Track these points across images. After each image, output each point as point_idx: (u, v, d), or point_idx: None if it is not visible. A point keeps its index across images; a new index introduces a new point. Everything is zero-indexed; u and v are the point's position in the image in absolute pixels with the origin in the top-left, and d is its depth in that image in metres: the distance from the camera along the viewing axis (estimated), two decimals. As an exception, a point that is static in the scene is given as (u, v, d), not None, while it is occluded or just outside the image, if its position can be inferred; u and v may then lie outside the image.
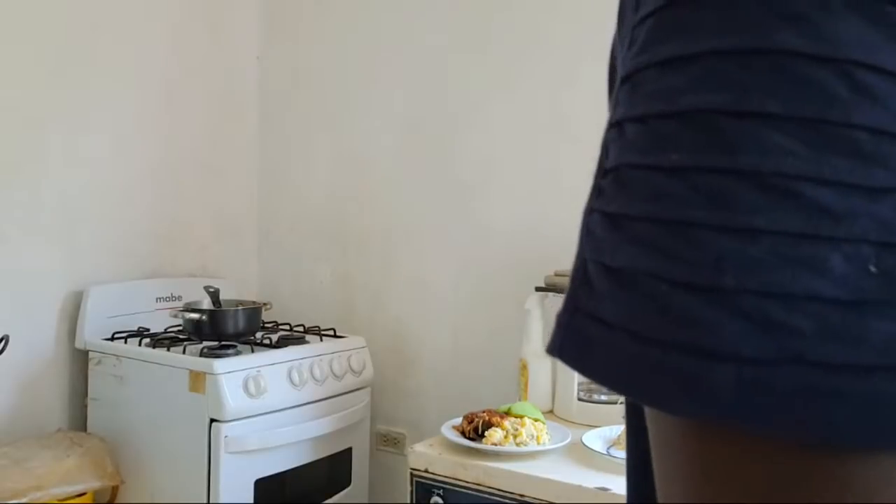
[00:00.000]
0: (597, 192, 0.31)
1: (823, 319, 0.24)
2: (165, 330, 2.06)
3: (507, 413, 1.59)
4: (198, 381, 1.75)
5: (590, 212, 0.31)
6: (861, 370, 0.24)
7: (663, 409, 0.27)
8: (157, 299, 2.13)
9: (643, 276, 0.27)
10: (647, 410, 0.30)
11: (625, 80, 0.31)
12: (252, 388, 1.77)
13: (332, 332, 2.16)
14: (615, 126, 0.32)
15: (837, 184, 0.25)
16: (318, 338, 2.12)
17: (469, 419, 1.58)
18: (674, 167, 0.27)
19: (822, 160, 0.25)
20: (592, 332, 0.29)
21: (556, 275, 1.84)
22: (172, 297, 2.15)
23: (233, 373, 1.76)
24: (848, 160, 0.25)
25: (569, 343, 0.30)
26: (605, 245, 0.29)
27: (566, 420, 1.74)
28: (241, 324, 1.97)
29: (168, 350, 1.88)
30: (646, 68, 0.30)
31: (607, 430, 1.58)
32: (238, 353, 1.87)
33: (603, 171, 0.31)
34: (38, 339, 1.96)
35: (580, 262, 0.30)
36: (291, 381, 1.87)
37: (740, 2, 0.27)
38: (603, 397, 1.78)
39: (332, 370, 1.98)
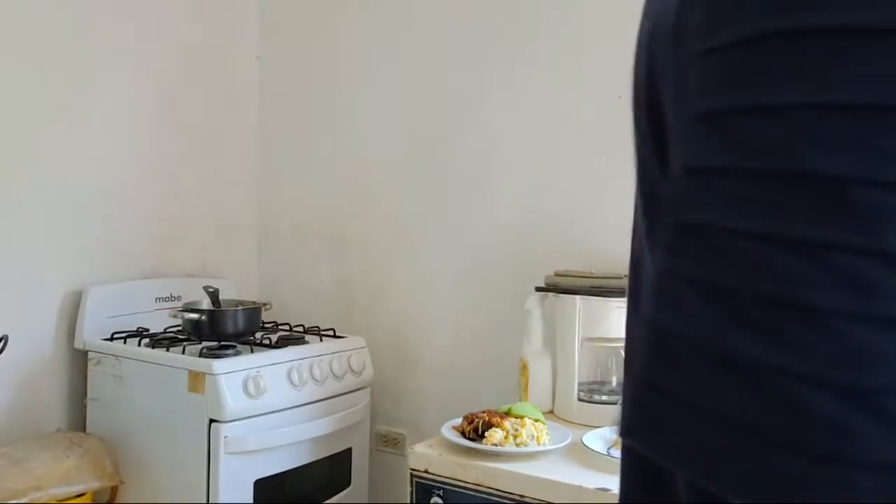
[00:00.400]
0: (666, 247, 0.27)
1: None
2: (165, 330, 2.06)
3: (508, 413, 1.59)
4: (197, 381, 1.75)
5: (665, 273, 0.27)
6: None
7: None
8: (156, 299, 2.13)
9: (760, 368, 0.23)
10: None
11: (701, 118, 0.27)
12: (252, 389, 1.77)
13: (331, 333, 2.16)
14: (692, 173, 0.27)
15: None
16: (317, 338, 2.12)
17: (469, 419, 1.58)
18: (796, 240, 0.23)
19: None
20: (680, 418, 0.25)
21: (557, 275, 1.84)
22: (172, 297, 2.15)
23: (232, 373, 1.76)
24: None
25: (645, 424, 0.27)
26: (700, 322, 0.25)
27: (566, 420, 1.74)
28: (241, 324, 1.96)
29: (167, 350, 1.88)
30: (740, 112, 0.26)
31: (607, 431, 1.58)
32: (238, 354, 1.86)
33: (672, 224, 0.27)
34: (37, 339, 1.96)
35: (658, 333, 0.26)
36: (291, 382, 1.87)
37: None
38: (603, 398, 1.78)
39: (331, 370, 1.98)
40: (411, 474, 1.56)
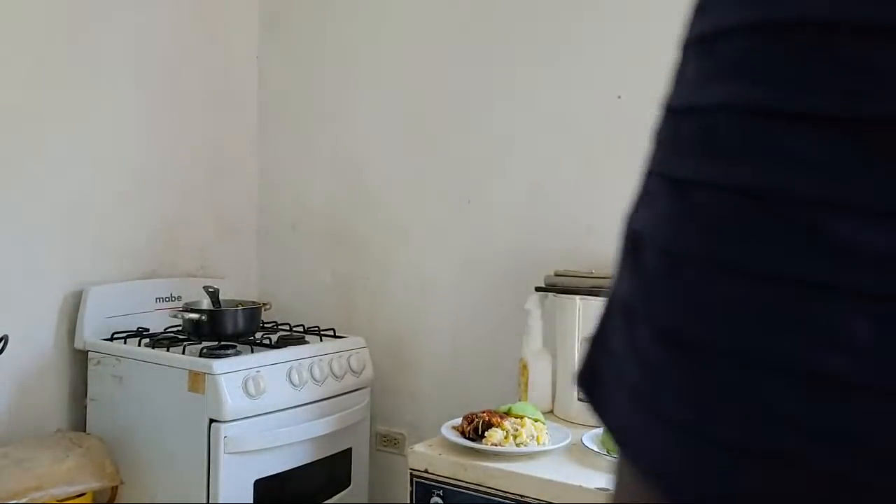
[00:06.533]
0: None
1: None
2: (165, 330, 2.06)
3: (507, 413, 1.59)
4: (197, 381, 1.75)
5: None
6: None
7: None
8: (156, 299, 2.13)
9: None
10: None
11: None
12: (252, 389, 1.77)
13: (331, 333, 2.16)
14: None
15: None
16: (317, 338, 2.12)
17: (469, 419, 1.58)
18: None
19: None
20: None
21: (557, 275, 1.84)
22: (172, 297, 2.15)
23: (232, 373, 1.76)
24: None
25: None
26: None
27: (566, 420, 1.74)
28: (241, 324, 1.96)
29: (167, 350, 1.88)
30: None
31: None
32: (238, 354, 1.86)
33: None
34: (37, 340, 1.96)
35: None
36: (291, 382, 1.87)
37: None
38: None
39: (331, 370, 1.98)
40: (411, 474, 1.56)
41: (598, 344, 0.36)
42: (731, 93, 0.30)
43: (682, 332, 0.30)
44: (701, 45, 0.33)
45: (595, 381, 0.36)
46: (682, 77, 0.34)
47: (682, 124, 0.33)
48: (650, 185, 0.35)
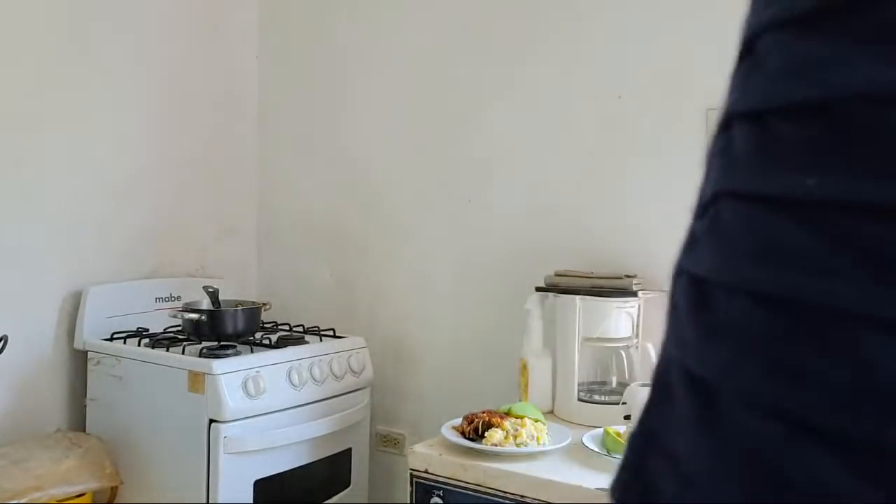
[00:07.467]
0: None
1: None
2: (165, 330, 2.06)
3: (508, 413, 1.59)
4: (197, 381, 1.75)
5: None
6: None
7: None
8: (156, 299, 2.13)
9: None
10: None
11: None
12: (251, 389, 1.77)
13: (331, 333, 2.16)
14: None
15: None
16: (317, 338, 2.12)
17: (469, 420, 1.58)
18: None
19: None
20: None
21: (557, 275, 1.84)
22: (172, 297, 2.15)
23: (232, 373, 1.76)
24: None
25: None
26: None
27: (566, 420, 1.74)
28: (241, 324, 1.96)
29: (167, 350, 1.88)
30: None
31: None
32: (237, 354, 1.86)
33: None
34: (37, 340, 1.95)
35: None
36: (291, 382, 1.87)
37: None
38: (603, 398, 1.77)
39: (331, 370, 1.98)
40: (411, 474, 1.56)
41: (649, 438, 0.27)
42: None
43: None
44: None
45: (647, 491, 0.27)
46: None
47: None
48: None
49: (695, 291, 0.24)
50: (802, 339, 0.22)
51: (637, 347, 1.77)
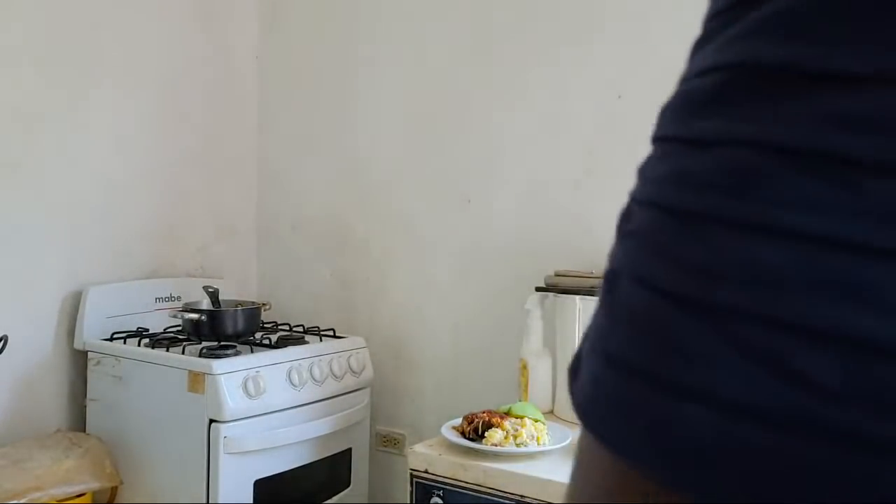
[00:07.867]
0: None
1: None
2: (164, 330, 2.06)
3: (508, 413, 1.59)
4: (197, 381, 1.75)
5: None
6: None
7: None
8: (156, 299, 2.13)
9: None
10: None
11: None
12: (251, 389, 1.77)
13: (331, 333, 2.16)
14: None
15: None
16: (317, 338, 2.12)
17: (469, 420, 1.58)
18: None
19: None
20: None
21: (556, 275, 1.84)
22: (172, 297, 2.15)
23: (232, 373, 1.76)
24: None
25: None
26: None
27: (566, 420, 1.74)
28: (241, 324, 1.96)
29: (167, 350, 1.88)
30: None
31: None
32: (237, 354, 1.86)
33: None
34: (37, 340, 1.95)
35: None
36: (291, 382, 1.87)
37: None
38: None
39: (331, 370, 1.98)
40: (411, 474, 1.56)
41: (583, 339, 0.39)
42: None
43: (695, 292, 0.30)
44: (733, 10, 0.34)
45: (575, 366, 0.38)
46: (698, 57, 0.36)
47: (697, 85, 0.35)
48: (662, 149, 0.37)
49: (624, 210, 0.36)
50: (680, 237, 0.31)
51: (637, 347, 1.77)
